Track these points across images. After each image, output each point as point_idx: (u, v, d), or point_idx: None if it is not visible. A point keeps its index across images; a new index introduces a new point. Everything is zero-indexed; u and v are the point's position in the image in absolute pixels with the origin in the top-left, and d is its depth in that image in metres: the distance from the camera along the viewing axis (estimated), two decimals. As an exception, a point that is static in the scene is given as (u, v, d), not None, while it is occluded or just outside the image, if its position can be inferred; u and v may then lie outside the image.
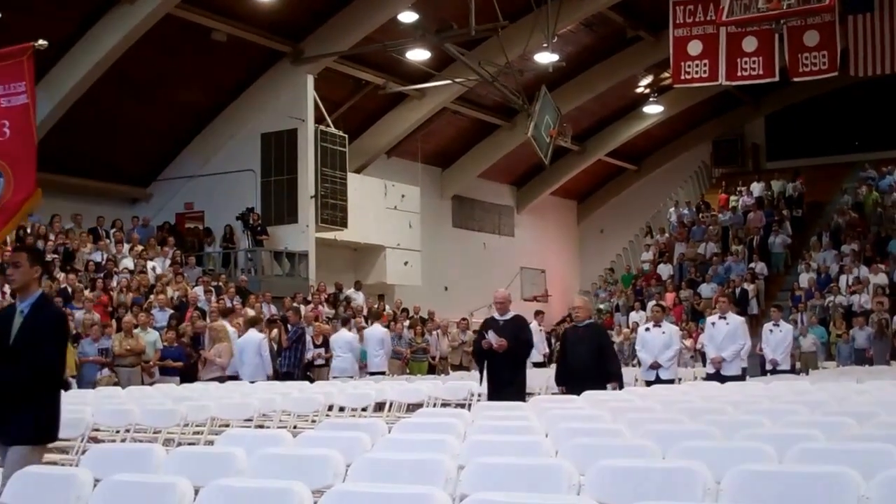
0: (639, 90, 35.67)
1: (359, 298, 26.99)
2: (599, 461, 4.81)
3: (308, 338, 19.70)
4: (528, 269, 38.12)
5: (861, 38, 23.19)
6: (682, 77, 24.38)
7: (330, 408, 11.74)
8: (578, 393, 10.60)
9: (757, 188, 35.79)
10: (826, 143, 37.64)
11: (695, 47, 23.83)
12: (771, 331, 18.80)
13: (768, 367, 18.62)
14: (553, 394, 13.07)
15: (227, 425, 9.97)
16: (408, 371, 23.08)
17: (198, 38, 24.91)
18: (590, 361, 12.01)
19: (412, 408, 12.61)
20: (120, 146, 26.62)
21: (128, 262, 22.97)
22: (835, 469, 4.40)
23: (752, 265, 31.26)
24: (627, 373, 18.31)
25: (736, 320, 15.51)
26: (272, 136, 27.30)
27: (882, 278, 28.10)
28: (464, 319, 25.41)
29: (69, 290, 19.90)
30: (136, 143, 27.08)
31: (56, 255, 21.58)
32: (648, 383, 14.51)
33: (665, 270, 33.04)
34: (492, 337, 11.78)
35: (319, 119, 27.36)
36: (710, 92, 32.85)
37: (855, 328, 25.17)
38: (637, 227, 38.09)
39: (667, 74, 30.09)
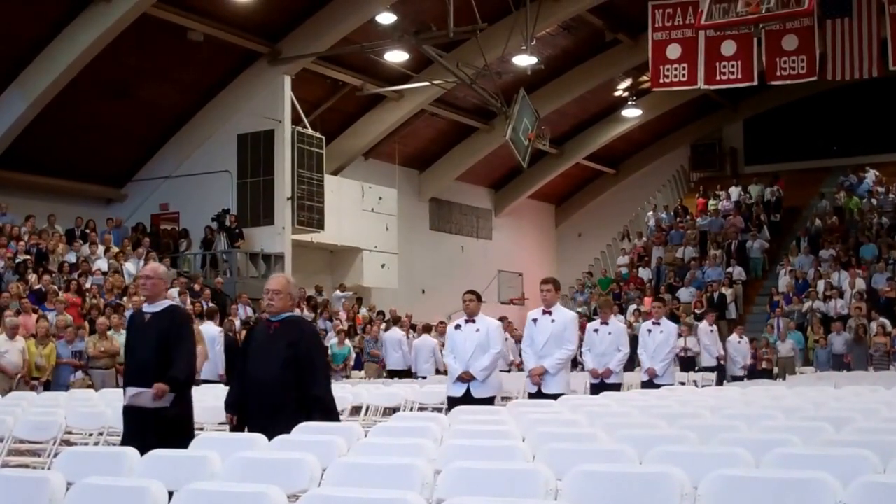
0: (617, 93, 35.75)
1: (339, 301, 26.94)
2: (577, 466, 4.78)
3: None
4: (505, 273, 38.11)
5: (839, 42, 23.27)
6: (661, 81, 24.44)
7: (305, 411, 11.66)
8: (261, 427, 6.85)
9: (735, 192, 35.92)
10: (804, 148, 37.84)
11: (674, 51, 23.89)
12: (649, 331, 14.61)
13: (643, 377, 14.53)
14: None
15: (202, 429, 9.91)
16: (384, 375, 23.06)
17: (174, 38, 24.80)
18: (276, 378, 7.54)
19: (389, 412, 12.56)
20: (95, 146, 26.48)
21: (101, 264, 22.84)
22: (812, 474, 4.38)
23: (730, 270, 31.33)
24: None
25: (566, 315, 11.63)
26: (249, 137, 27.22)
27: (861, 284, 28.21)
28: (441, 323, 25.39)
29: (43, 290, 19.78)
30: (112, 144, 26.94)
31: (29, 256, 21.44)
32: (453, 401, 10.73)
33: (644, 275, 33.10)
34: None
35: (296, 120, 27.30)
36: (688, 96, 32.95)
37: (832, 334, 25.26)
38: (615, 231, 38.15)
39: (645, 78, 30.22)
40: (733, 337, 22.55)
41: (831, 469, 4.46)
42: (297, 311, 8.25)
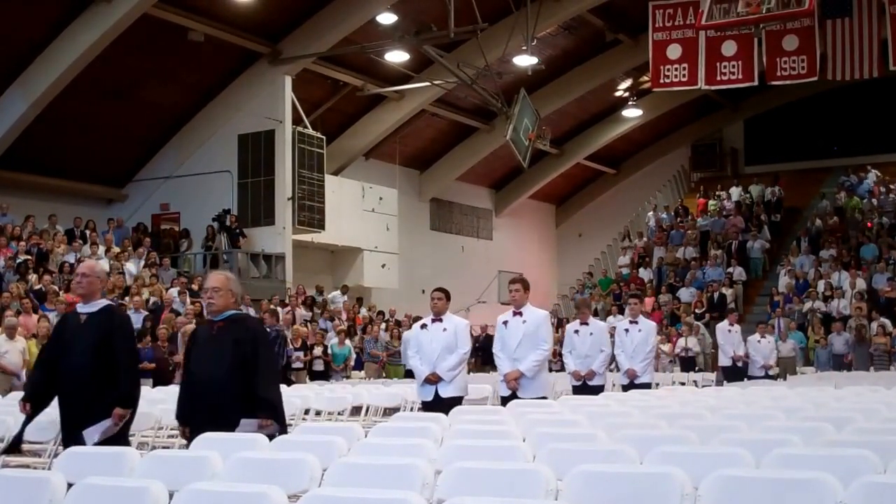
0: (618, 94, 35.75)
1: (338, 302, 26.93)
2: (577, 466, 4.78)
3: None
4: (505, 273, 37.99)
5: (839, 42, 23.28)
6: (662, 81, 24.45)
7: (306, 411, 11.70)
8: (203, 428, 6.62)
9: (735, 192, 35.92)
10: (804, 148, 37.84)
11: (674, 51, 23.91)
12: (627, 330, 14.02)
13: (623, 380, 13.95)
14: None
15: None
16: (384, 375, 23.07)
17: (175, 38, 24.80)
18: (224, 380, 7.01)
19: (389, 412, 12.56)
20: (96, 146, 26.48)
21: (102, 264, 22.80)
22: (812, 475, 4.38)
23: (730, 270, 31.32)
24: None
25: (538, 315, 11.02)
26: (249, 137, 27.23)
27: (861, 284, 28.21)
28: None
29: (43, 291, 19.79)
30: (112, 144, 26.95)
31: (29, 257, 21.44)
32: (425, 405, 10.47)
33: (644, 275, 33.09)
34: None
35: (297, 120, 27.30)
36: (689, 96, 32.95)
37: (833, 334, 25.24)
38: (615, 231, 38.10)
39: (646, 78, 30.21)
40: (754, 336, 21.75)
41: (832, 469, 4.46)
42: (242, 309, 7.67)
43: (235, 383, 6.99)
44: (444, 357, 10.39)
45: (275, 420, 7.03)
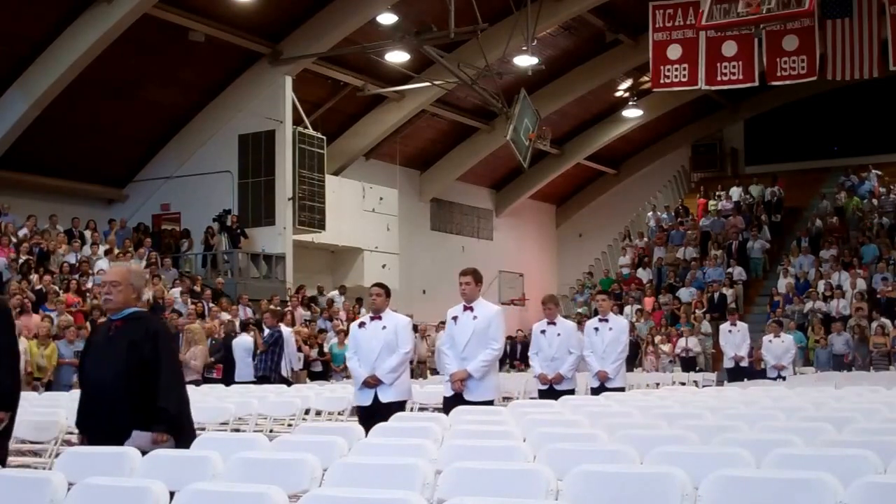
0: (618, 94, 35.74)
1: (339, 302, 26.93)
2: (577, 466, 4.78)
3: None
4: (506, 273, 38.10)
5: (839, 42, 23.29)
6: (662, 81, 24.47)
7: (307, 412, 11.70)
8: (100, 439, 6.11)
9: (736, 193, 35.90)
10: (804, 148, 37.83)
11: (674, 51, 23.92)
12: (596, 329, 12.88)
13: (593, 383, 12.83)
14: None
15: (203, 429, 9.91)
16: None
17: (175, 39, 24.80)
18: (116, 385, 6.25)
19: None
20: (96, 147, 26.47)
21: (103, 264, 22.85)
22: (813, 475, 4.38)
23: (730, 270, 31.30)
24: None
25: (490, 311, 10.13)
26: (250, 137, 27.23)
27: (861, 284, 28.19)
28: (442, 323, 25.38)
29: (43, 291, 19.81)
30: (113, 144, 26.95)
31: (30, 257, 21.46)
32: (362, 411, 9.74)
33: (644, 275, 33.07)
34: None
35: (297, 120, 27.30)
36: (689, 96, 32.94)
37: (833, 334, 25.21)
38: (616, 232, 38.09)
39: (646, 78, 30.21)
40: (767, 337, 20.38)
41: (832, 469, 4.46)
42: (141, 307, 6.84)
43: (129, 389, 6.23)
44: (384, 358, 9.66)
45: (172, 434, 6.23)
